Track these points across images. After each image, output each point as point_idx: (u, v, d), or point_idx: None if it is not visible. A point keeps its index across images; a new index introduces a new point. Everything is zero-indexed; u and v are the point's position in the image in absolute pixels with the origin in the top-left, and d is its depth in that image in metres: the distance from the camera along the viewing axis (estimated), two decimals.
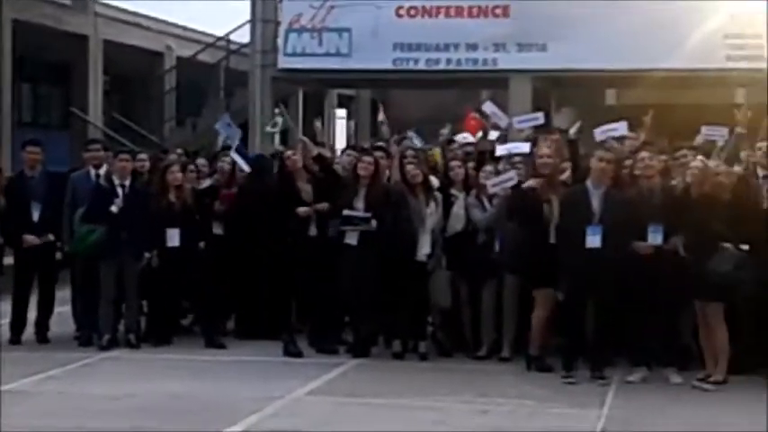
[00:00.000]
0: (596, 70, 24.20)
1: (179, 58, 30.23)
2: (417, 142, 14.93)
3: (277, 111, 17.23)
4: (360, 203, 12.20)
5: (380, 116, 15.33)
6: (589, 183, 11.18)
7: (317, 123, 15.39)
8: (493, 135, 14.47)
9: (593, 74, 24.51)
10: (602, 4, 23.62)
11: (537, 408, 10.06)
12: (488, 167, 12.49)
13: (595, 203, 11.03)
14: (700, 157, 11.55)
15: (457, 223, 12.31)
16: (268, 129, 17.30)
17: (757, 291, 10.90)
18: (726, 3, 23.26)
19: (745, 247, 10.74)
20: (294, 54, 24.04)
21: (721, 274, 10.63)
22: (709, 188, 10.94)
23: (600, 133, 12.91)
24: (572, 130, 12.28)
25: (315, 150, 12.94)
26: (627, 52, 23.69)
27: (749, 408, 10.07)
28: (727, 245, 10.71)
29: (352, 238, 12.15)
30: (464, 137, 15.01)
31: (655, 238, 11.05)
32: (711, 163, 11.45)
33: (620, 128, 12.99)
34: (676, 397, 10.53)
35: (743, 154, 12.58)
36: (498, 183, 12.07)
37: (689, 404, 10.27)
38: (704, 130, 14.13)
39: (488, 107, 14.27)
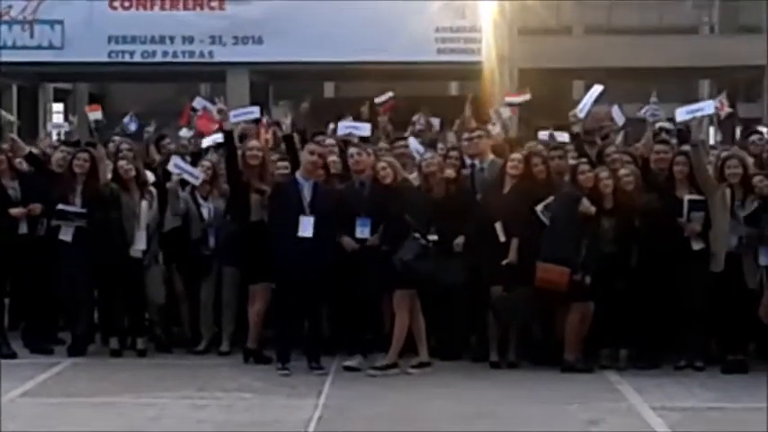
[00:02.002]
0: (313, 63, 24.50)
1: None
2: (133, 126, 15.16)
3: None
4: (77, 200, 11.99)
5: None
6: (299, 174, 11.32)
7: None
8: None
9: (311, 67, 24.82)
10: None
11: (255, 400, 10.15)
12: (206, 162, 12.46)
13: (306, 195, 11.17)
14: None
15: (174, 218, 12.23)
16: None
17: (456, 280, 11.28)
18: None
19: (434, 237, 11.08)
20: (5, 47, 23.42)
21: (404, 262, 10.96)
22: (402, 180, 11.33)
23: (343, 128, 13.14)
24: (285, 124, 12.41)
25: (26, 148, 12.63)
26: (344, 45, 24.09)
27: (453, 390, 10.52)
28: (417, 235, 11.03)
29: (66, 235, 11.92)
30: (185, 131, 15.05)
31: (362, 231, 11.32)
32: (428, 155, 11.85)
33: (363, 128, 13.23)
34: (390, 383, 10.79)
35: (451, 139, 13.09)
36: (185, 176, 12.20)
37: (401, 389, 10.54)
38: (416, 119, 14.61)
39: (198, 102, 14.27)
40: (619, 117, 13.88)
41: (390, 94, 15.15)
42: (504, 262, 11.23)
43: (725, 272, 11.20)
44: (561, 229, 11.16)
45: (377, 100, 14.99)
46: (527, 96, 15.05)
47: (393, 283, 11.15)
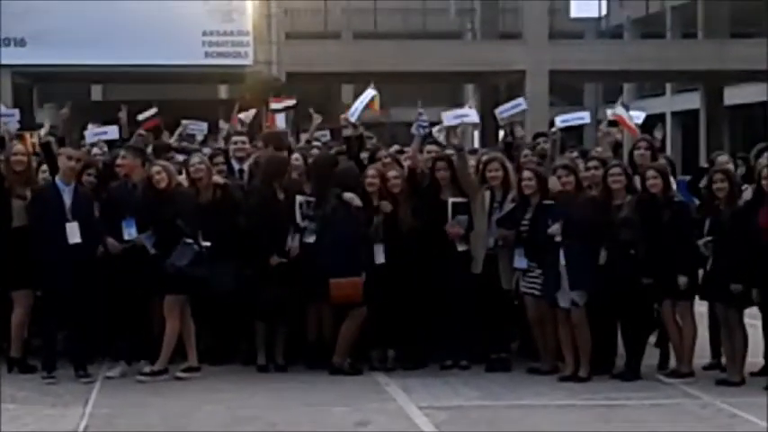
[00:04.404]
0: (78, 65, 24.09)
1: None
2: None
3: None
4: None
5: None
6: (59, 179, 11.09)
7: None
8: None
9: (76, 69, 24.39)
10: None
11: (19, 410, 9.89)
12: None
13: (67, 200, 10.96)
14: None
15: None
16: None
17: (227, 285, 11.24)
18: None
19: (207, 243, 11.04)
20: None
21: (177, 268, 10.90)
22: (177, 185, 11.26)
23: (91, 136, 13.01)
24: (42, 132, 12.21)
25: None
26: (110, 48, 23.78)
27: (222, 395, 10.49)
28: (190, 240, 10.99)
29: None
30: None
31: (129, 232, 11.19)
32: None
33: (111, 132, 13.17)
34: (160, 389, 10.69)
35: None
36: None
37: (171, 396, 10.45)
38: (184, 124, 14.53)
39: None
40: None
41: (153, 110, 14.91)
42: (274, 262, 11.27)
43: (484, 273, 11.50)
44: (339, 236, 11.27)
45: (140, 117, 14.76)
46: (291, 102, 15.17)
47: (164, 288, 11.06)
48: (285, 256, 11.32)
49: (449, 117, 12.64)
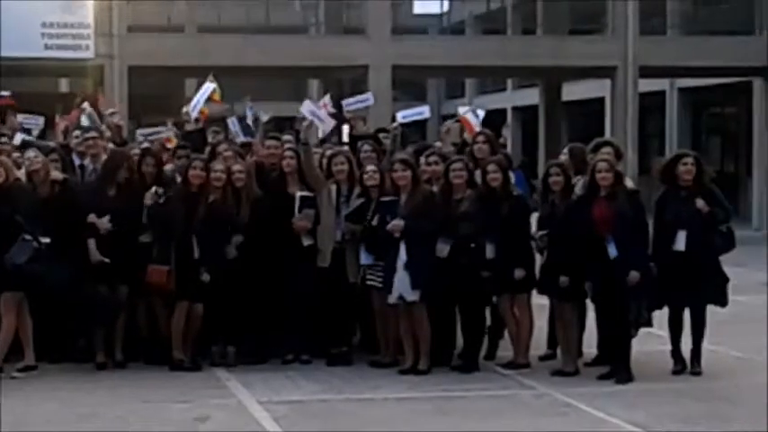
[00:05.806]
0: None
1: None
2: None
3: None
4: None
5: None
6: None
7: None
8: None
9: None
10: None
11: None
12: None
13: None
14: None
15: None
16: None
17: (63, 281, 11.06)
18: None
19: (46, 240, 10.87)
20: None
21: (15, 265, 10.73)
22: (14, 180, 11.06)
23: None
24: None
25: None
26: None
27: (59, 393, 10.38)
28: (29, 237, 10.80)
29: None
30: None
31: None
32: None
33: None
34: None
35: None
36: None
37: (6, 394, 10.17)
38: (21, 118, 14.25)
39: None
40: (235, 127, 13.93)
41: (7, 93, 14.65)
42: (95, 261, 11.18)
43: (330, 267, 11.56)
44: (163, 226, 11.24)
45: None
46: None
47: (0, 285, 10.86)
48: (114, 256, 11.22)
49: (306, 108, 12.66)
